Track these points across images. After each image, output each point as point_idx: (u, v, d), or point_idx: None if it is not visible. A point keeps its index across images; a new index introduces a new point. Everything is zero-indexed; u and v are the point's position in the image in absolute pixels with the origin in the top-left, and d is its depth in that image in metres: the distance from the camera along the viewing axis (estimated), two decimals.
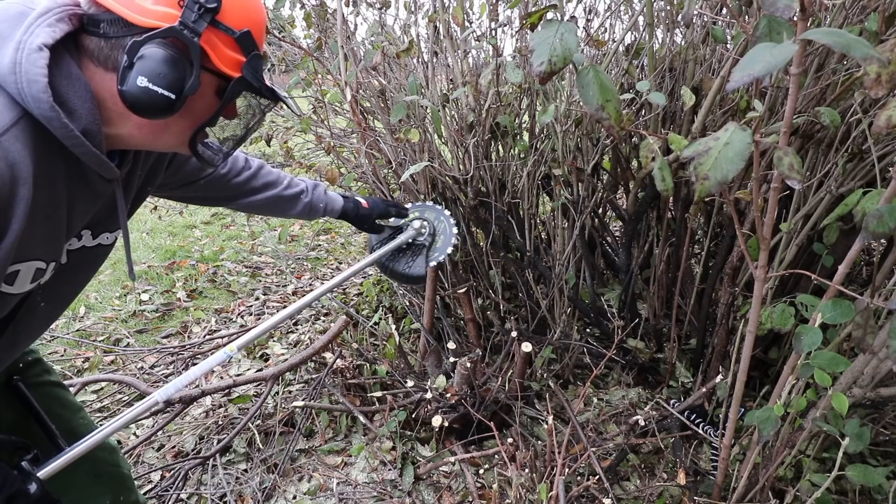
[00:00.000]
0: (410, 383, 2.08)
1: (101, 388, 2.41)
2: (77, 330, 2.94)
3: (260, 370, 2.39)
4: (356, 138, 2.22)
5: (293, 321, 2.99)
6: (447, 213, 1.68)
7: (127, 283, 3.49)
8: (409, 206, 1.72)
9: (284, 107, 0.98)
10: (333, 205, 1.50)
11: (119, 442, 2.06)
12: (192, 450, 2.01)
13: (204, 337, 2.87)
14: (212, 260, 3.94)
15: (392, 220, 1.69)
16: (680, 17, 1.79)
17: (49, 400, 1.11)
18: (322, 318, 3.03)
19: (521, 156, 2.09)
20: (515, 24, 2.06)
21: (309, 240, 4.31)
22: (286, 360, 2.38)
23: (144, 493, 1.79)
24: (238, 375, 2.41)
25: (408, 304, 2.53)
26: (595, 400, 2.22)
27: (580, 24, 2.16)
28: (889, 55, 0.81)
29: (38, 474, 0.95)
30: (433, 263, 1.65)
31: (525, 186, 2.08)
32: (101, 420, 2.16)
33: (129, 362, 2.65)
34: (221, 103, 0.84)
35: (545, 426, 1.84)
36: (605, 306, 2.39)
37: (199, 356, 2.64)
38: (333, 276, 1.54)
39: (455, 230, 1.66)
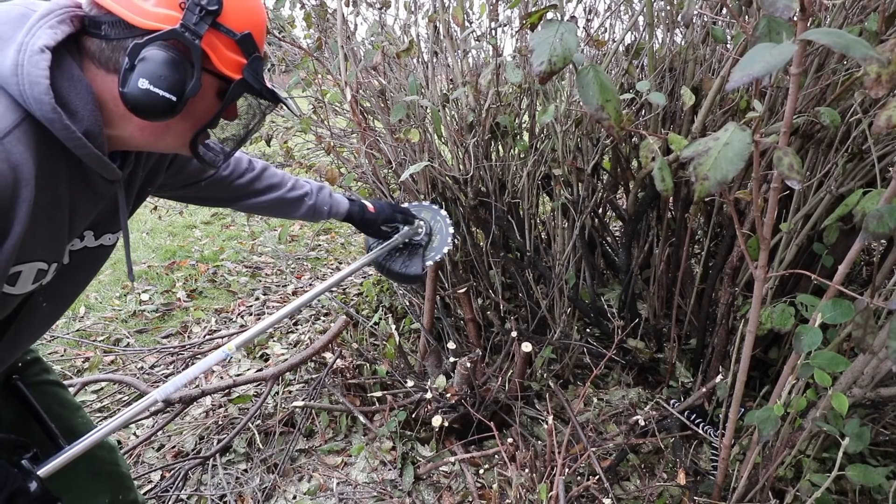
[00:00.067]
0: (410, 383, 2.08)
1: (101, 388, 2.41)
2: (77, 330, 2.94)
3: (260, 370, 2.39)
4: (356, 138, 2.22)
5: (293, 321, 2.99)
6: (444, 212, 1.68)
7: (127, 283, 3.49)
8: (405, 205, 1.72)
9: (284, 107, 0.98)
10: (338, 208, 1.48)
11: (119, 442, 2.06)
12: (192, 450, 2.01)
13: (204, 337, 2.87)
14: (212, 260, 3.94)
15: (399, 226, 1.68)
16: (680, 17, 1.79)
17: (48, 399, 1.11)
18: (322, 318, 3.03)
19: (521, 156, 2.09)
20: (515, 24, 2.06)
21: (309, 240, 4.31)
22: (286, 360, 2.38)
23: (144, 493, 1.79)
24: (238, 375, 2.41)
25: (408, 304, 2.53)
26: (595, 400, 2.22)
27: (580, 24, 2.16)
28: (889, 55, 0.81)
29: (38, 473, 0.95)
30: (429, 263, 1.65)
31: (525, 186, 2.08)
32: (100, 420, 2.16)
33: (129, 362, 2.65)
34: (222, 105, 0.84)
35: (545, 426, 1.84)
36: (605, 306, 2.39)
37: (199, 356, 2.64)
38: (332, 276, 1.53)
39: (451, 230, 1.66)
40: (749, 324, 1.16)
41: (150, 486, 1.82)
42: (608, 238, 2.72)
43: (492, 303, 2.36)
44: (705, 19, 1.78)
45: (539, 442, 1.95)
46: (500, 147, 2.15)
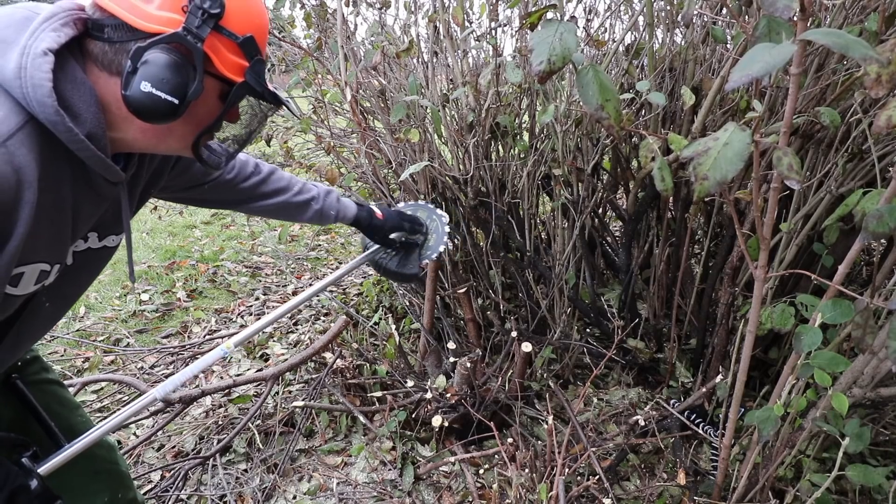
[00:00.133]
0: (410, 383, 2.08)
1: (101, 388, 2.41)
2: (77, 330, 2.94)
3: (260, 370, 2.39)
4: (356, 138, 2.22)
5: (293, 321, 2.99)
6: (439, 211, 1.68)
7: (127, 283, 3.50)
8: (401, 204, 1.72)
9: (285, 108, 0.98)
10: (346, 212, 1.47)
11: (119, 442, 2.06)
12: (192, 450, 2.01)
13: (204, 337, 2.87)
14: (212, 260, 3.94)
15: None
16: (680, 17, 1.79)
17: (47, 398, 1.11)
18: (322, 318, 3.04)
19: (521, 156, 2.09)
20: (515, 23, 2.06)
21: (309, 240, 4.31)
22: (286, 360, 2.38)
23: (144, 494, 1.79)
24: (238, 375, 2.41)
25: (408, 304, 2.53)
26: (595, 400, 2.22)
27: (580, 24, 2.16)
28: (889, 55, 0.81)
29: (38, 471, 0.95)
30: (425, 261, 1.66)
31: (525, 186, 2.08)
32: (99, 420, 2.16)
33: (129, 362, 2.65)
34: (224, 108, 0.85)
35: (545, 426, 1.84)
36: (605, 306, 2.39)
37: (198, 356, 2.64)
38: (329, 275, 1.53)
39: (447, 228, 1.66)
40: (749, 324, 1.16)
41: (150, 486, 1.82)
42: (608, 238, 2.72)
43: (492, 303, 2.36)
44: (705, 19, 1.78)
45: (539, 442, 1.95)
46: (500, 147, 2.15)
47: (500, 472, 1.85)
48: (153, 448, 2.04)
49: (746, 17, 1.56)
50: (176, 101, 0.76)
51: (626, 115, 1.74)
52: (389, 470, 1.89)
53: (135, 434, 2.12)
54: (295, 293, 3.43)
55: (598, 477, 1.63)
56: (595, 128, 2.04)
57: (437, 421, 1.86)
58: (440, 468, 1.91)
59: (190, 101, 0.78)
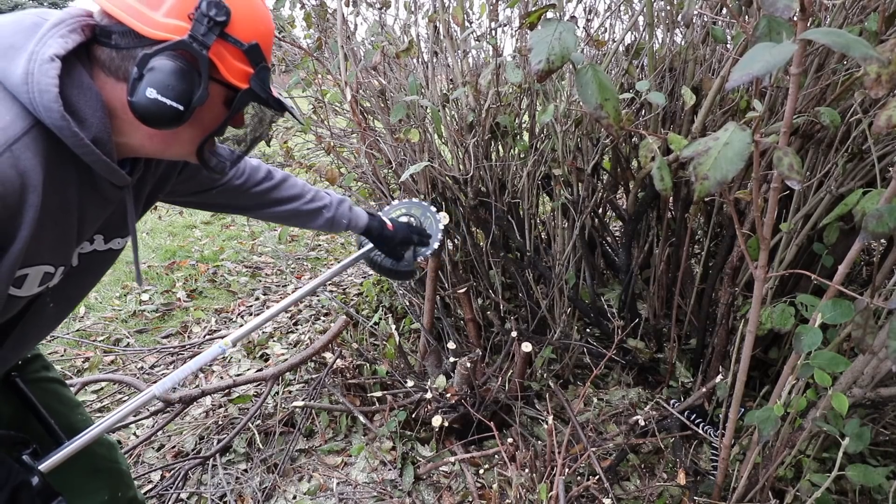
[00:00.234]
0: (410, 383, 2.08)
1: (101, 388, 2.41)
2: (77, 330, 2.94)
3: (260, 370, 2.39)
4: (356, 138, 2.22)
5: (293, 321, 2.99)
6: (433, 209, 1.69)
7: (127, 283, 3.50)
8: (395, 202, 1.73)
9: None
10: (357, 221, 1.49)
11: (119, 442, 2.06)
12: (192, 450, 2.01)
13: (204, 337, 2.87)
14: (212, 260, 3.94)
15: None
16: (680, 17, 1.79)
17: (47, 396, 1.11)
18: (322, 318, 3.03)
19: (521, 156, 2.09)
20: (515, 23, 2.06)
21: (309, 240, 4.31)
22: (286, 360, 2.38)
23: (144, 493, 1.79)
24: (238, 375, 2.41)
25: (408, 304, 2.53)
26: (595, 400, 2.22)
27: (580, 23, 2.16)
28: (889, 55, 0.81)
29: (39, 468, 0.95)
30: (420, 259, 1.67)
31: (525, 186, 2.08)
32: (99, 419, 2.16)
33: (129, 362, 2.65)
34: (229, 114, 0.85)
35: (545, 426, 1.84)
36: (605, 306, 2.39)
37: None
38: (324, 273, 1.53)
39: (441, 225, 1.67)
40: (749, 324, 1.15)
41: (150, 486, 1.82)
42: (608, 238, 2.72)
43: (492, 303, 2.36)
44: (705, 19, 1.78)
45: (539, 442, 1.95)
46: (500, 147, 2.15)
47: (500, 472, 1.85)
48: (153, 448, 2.04)
49: (746, 17, 1.56)
50: (181, 108, 0.77)
51: (626, 115, 1.74)
52: (389, 470, 1.89)
53: (135, 434, 2.12)
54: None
55: (598, 477, 1.63)
56: (595, 127, 2.04)
57: (437, 421, 1.86)
58: (440, 468, 1.91)
59: (195, 107, 0.78)
